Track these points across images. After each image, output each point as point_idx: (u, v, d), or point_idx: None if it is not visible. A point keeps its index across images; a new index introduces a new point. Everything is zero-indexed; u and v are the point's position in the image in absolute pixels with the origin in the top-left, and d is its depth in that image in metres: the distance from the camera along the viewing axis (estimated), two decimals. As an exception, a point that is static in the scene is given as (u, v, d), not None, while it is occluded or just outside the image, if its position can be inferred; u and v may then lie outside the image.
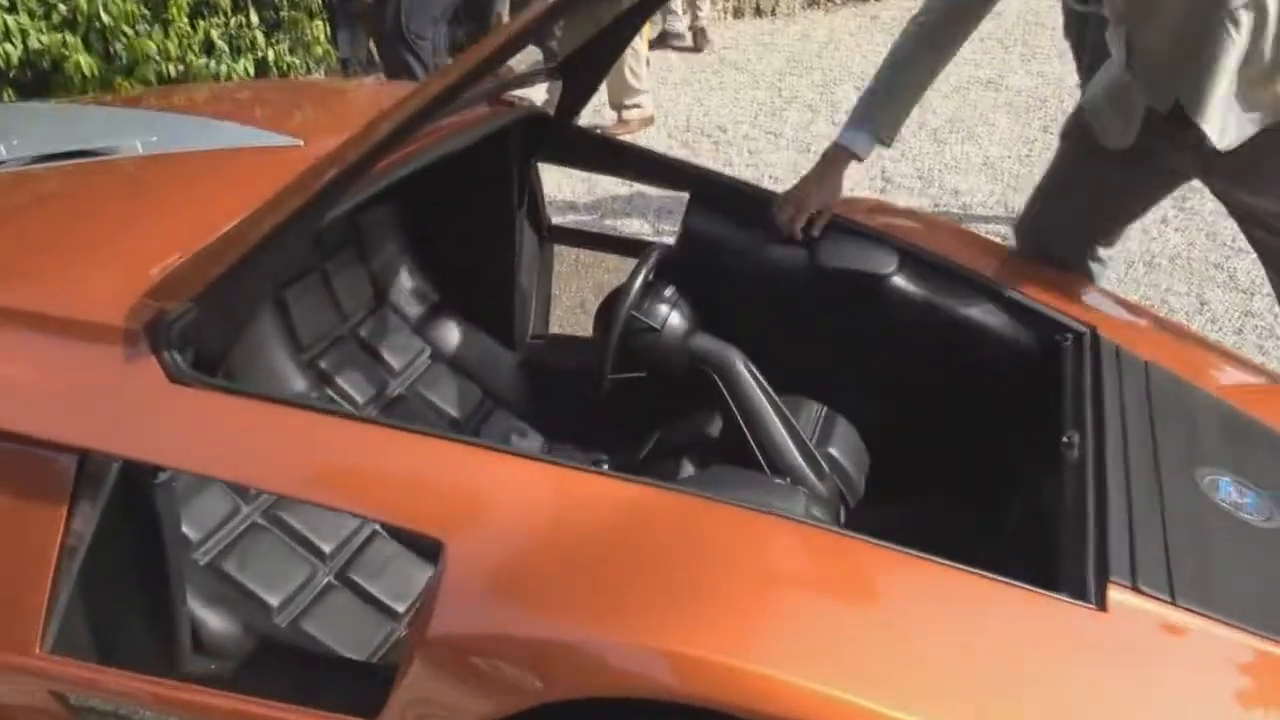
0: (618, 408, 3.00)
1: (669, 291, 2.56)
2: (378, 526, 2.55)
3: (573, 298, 3.86)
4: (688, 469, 2.53)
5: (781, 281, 2.71)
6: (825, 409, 2.73)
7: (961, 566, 1.67)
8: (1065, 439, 2.12)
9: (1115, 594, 1.69)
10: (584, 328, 3.43)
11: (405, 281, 3.12)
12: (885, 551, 1.68)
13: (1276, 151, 2.43)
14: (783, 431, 2.50)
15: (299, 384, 2.68)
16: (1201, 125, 2.37)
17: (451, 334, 3.14)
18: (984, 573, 1.67)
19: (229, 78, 5.31)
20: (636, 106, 6.22)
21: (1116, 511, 1.86)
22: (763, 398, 2.51)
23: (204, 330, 1.84)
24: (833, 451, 2.60)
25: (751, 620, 1.58)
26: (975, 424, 2.63)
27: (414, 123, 1.76)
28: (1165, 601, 1.69)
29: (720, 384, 2.52)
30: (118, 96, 4.34)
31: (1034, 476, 2.28)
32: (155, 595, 1.93)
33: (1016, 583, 1.67)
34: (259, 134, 2.60)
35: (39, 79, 4.79)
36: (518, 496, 1.70)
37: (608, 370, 2.53)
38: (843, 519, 2.58)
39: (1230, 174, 2.53)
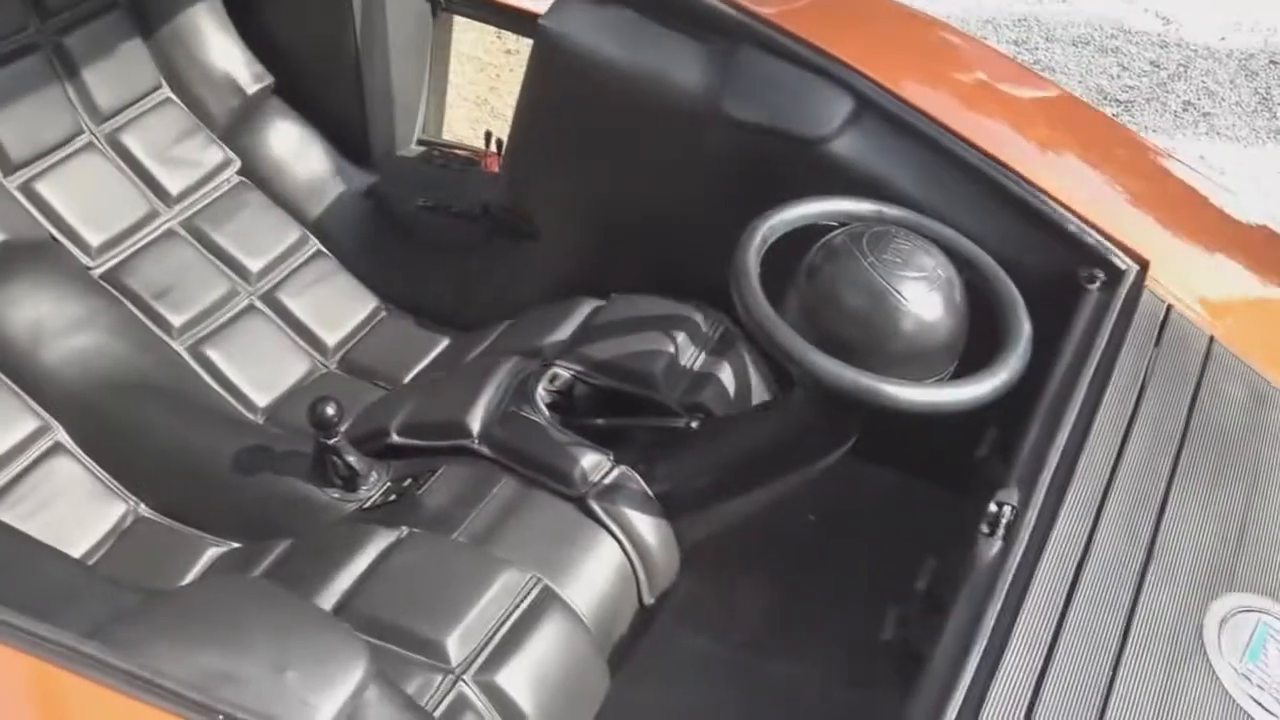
0: (476, 275, 2.17)
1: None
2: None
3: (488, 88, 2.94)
4: None
5: (671, 129, 1.74)
6: (725, 325, 1.81)
7: None
8: (994, 505, 1.19)
9: None
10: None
11: (211, 60, 2.21)
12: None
13: None
14: None
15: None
16: None
17: (275, 141, 2.26)
18: None
19: None
20: None
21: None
22: None
23: None
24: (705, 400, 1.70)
25: None
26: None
27: None
28: None
29: None
30: None
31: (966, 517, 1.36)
32: None
33: None
34: None
35: None
36: None
37: None
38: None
39: None
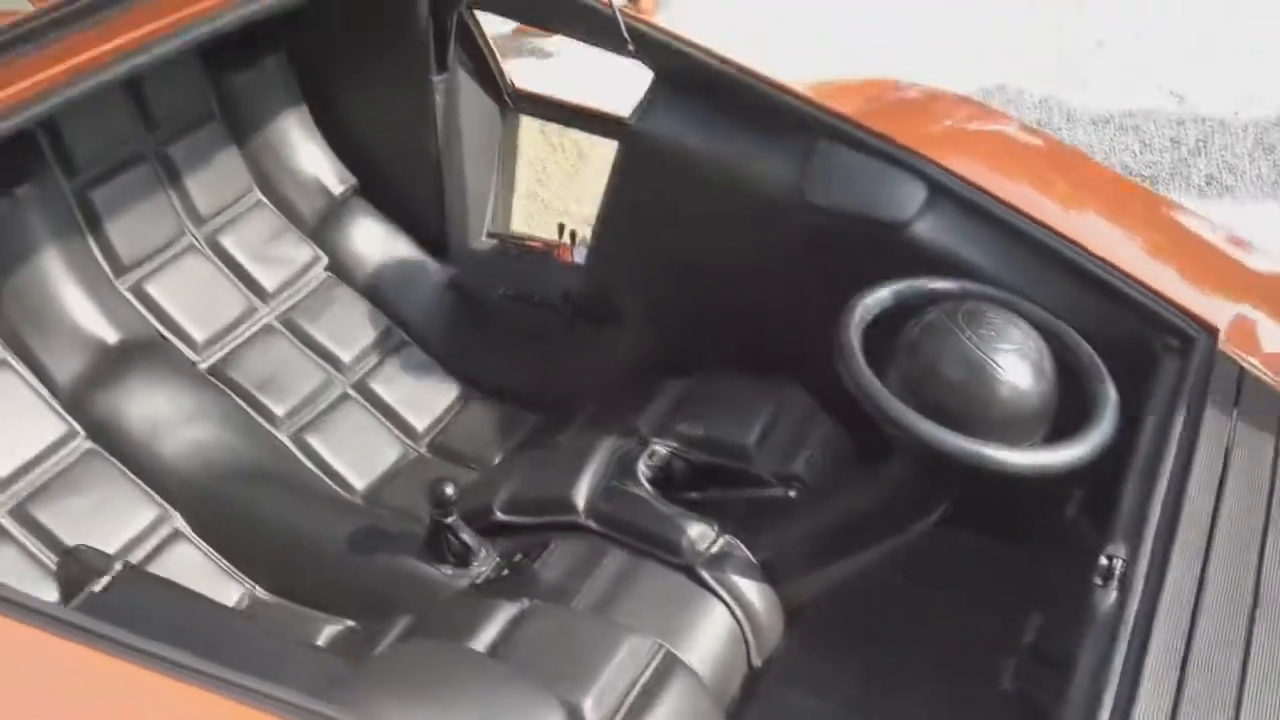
0: (559, 359, 2.27)
1: None
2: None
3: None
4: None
5: (755, 215, 1.86)
6: (809, 399, 1.91)
7: None
8: (1105, 559, 1.28)
9: None
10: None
11: (299, 164, 2.35)
12: None
13: None
14: None
15: (102, 327, 1.99)
16: None
17: (359, 238, 2.39)
18: None
19: None
20: None
21: None
22: None
23: None
24: (798, 471, 1.79)
25: None
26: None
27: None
28: None
29: None
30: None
31: (1069, 579, 1.44)
32: None
33: None
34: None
35: None
36: None
37: None
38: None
39: None
